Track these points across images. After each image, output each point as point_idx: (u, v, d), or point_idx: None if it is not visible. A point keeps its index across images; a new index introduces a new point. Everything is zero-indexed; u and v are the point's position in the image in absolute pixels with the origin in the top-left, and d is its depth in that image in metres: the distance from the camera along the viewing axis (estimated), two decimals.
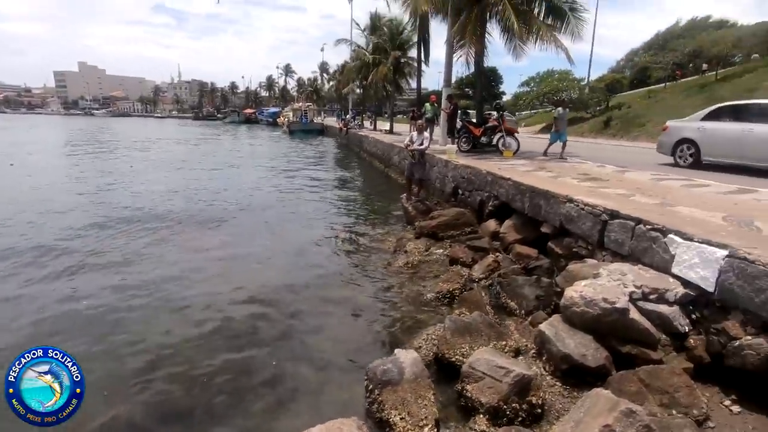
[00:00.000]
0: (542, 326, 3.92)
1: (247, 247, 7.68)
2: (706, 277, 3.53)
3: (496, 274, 5.69)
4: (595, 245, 4.96)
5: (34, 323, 4.77)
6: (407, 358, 3.56)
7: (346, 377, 3.96)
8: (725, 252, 3.42)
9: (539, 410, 3.22)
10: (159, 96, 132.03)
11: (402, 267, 6.60)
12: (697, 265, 3.62)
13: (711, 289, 3.49)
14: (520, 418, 3.15)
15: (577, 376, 3.49)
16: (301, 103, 52.15)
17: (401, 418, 3.13)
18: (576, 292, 3.79)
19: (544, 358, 3.80)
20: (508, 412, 3.15)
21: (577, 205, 5.25)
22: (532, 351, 4.00)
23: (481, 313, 4.35)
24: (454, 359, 3.78)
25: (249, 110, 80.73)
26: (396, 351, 3.67)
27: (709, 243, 3.60)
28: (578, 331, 3.68)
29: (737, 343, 3.22)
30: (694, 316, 3.65)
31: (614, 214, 4.69)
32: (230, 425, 3.37)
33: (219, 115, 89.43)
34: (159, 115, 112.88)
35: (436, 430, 3.07)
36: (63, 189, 12.39)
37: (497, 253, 6.47)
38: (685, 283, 3.73)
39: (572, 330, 3.71)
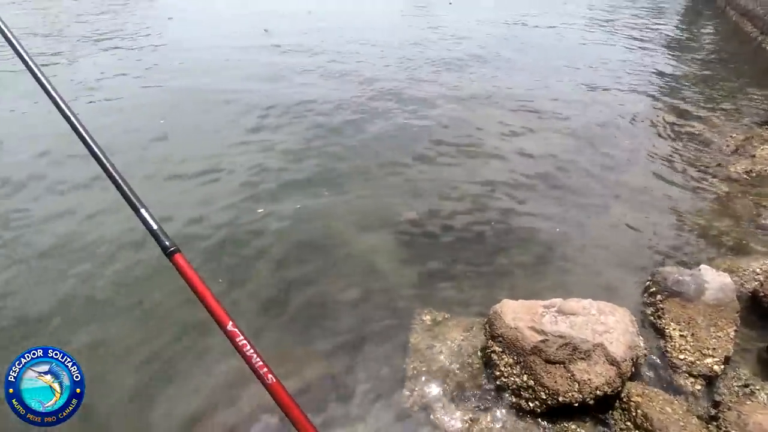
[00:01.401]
0: None
1: (540, 109, 7.28)
2: None
3: None
4: None
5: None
6: (715, 279, 2.97)
7: (622, 267, 3.67)
8: None
9: None
10: None
11: (739, 173, 5.07)
12: None
13: None
14: None
15: None
16: None
17: (681, 335, 2.80)
18: None
19: None
20: None
21: None
22: None
23: None
24: None
25: None
26: (701, 266, 3.10)
27: None
28: None
29: None
30: None
31: None
32: (499, 266, 3.73)
33: None
34: None
35: (722, 366, 2.64)
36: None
37: None
38: None
39: None
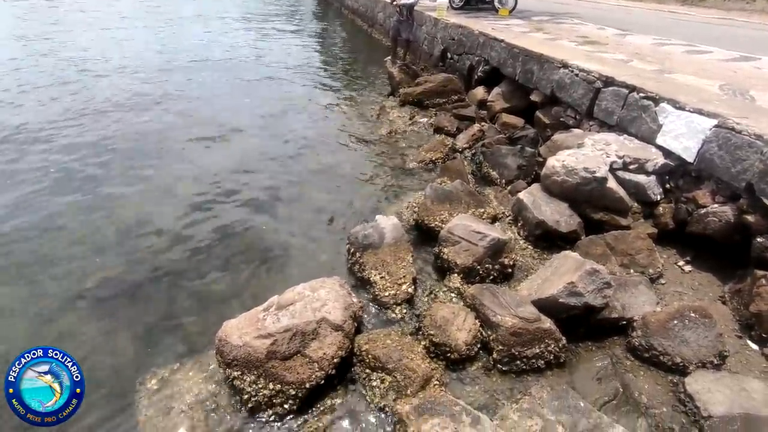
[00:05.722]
0: (521, 194, 4.00)
1: (223, 116, 7.24)
2: (688, 147, 3.52)
3: (479, 143, 5.60)
4: (583, 114, 4.81)
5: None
6: (388, 223, 3.65)
7: (329, 242, 4.10)
8: (714, 122, 3.34)
9: (510, 270, 3.45)
10: None
11: (385, 136, 6.43)
12: (683, 135, 3.57)
13: (691, 159, 3.50)
14: (491, 277, 3.39)
15: (549, 241, 3.69)
16: None
17: (381, 277, 3.33)
18: (558, 161, 3.77)
19: (519, 224, 3.96)
20: (480, 272, 3.36)
21: (572, 71, 4.94)
22: (509, 218, 4.15)
23: (461, 182, 4.37)
24: (433, 225, 3.90)
25: None
26: (377, 217, 3.75)
27: (700, 112, 3.49)
28: (555, 199, 3.78)
29: (703, 210, 3.36)
30: (668, 186, 3.75)
31: (608, 81, 4.44)
32: (220, 287, 3.54)
33: None
34: None
35: (413, 286, 3.30)
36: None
37: (483, 123, 6.31)
38: (667, 153, 3.73)
39: (550, 198, 3.80)
